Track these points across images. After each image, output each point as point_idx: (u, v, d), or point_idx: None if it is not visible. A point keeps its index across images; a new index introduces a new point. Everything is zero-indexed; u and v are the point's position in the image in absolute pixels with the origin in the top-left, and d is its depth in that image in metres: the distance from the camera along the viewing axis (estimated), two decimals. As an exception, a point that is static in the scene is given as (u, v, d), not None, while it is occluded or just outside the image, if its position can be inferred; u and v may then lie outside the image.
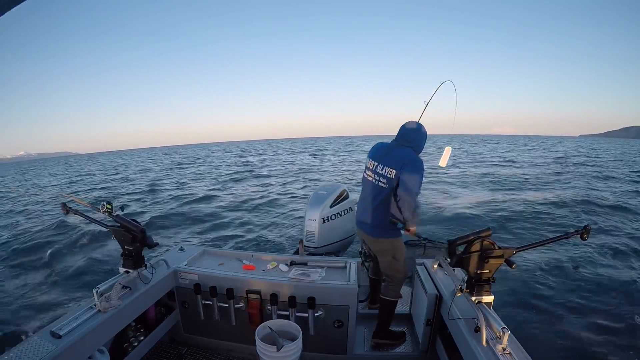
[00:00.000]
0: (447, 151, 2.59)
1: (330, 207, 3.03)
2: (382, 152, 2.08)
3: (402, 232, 2.03)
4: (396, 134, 2.13)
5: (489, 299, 1.65)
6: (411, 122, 2.12)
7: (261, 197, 11.08)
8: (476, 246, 1.60)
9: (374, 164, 2.07)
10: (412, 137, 2.06)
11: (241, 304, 2.14)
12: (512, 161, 21.75)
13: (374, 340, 2.26)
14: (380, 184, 2.02)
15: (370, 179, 2.08)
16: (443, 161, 2.56)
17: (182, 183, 16.20)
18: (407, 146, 2.04)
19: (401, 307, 2.62)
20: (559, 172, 15.62)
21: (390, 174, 1.98)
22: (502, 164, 20.12)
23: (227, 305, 2.13)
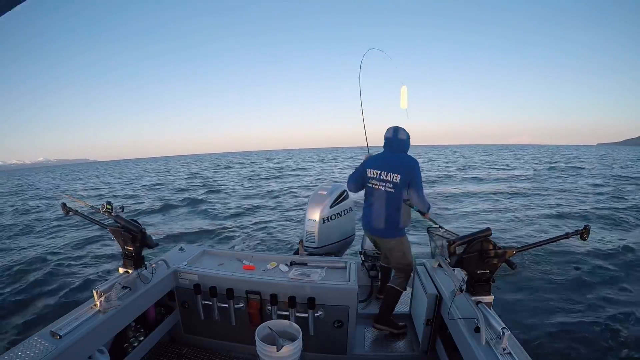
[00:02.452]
0: (404, 91, 2.81)
1: (330, 207, 3.02)
2: (381, 161, 2.31)
3: (420, 216, 2.32)
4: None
5: (489, 299, 1.64)
6: (398, 130, 2.33)
7: (261, 198, 11.09)
8: (476, 246, 1.60)
9: (377, 173, 2.29)
10: (403, 143, 2.33)
11: (241, 304, 2.14)
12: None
13: (376, 325, 2.38)
14: (387, 189, 2.24)
15: (376, 187, 2.29)
16: (403, 103, 2.81)
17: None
18: (401, 152, 2.32)
19: (401, 307, 2.62)
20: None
21: (395, 179, 2.22)
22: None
23: (227, 306, 2.13)
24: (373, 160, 2.36)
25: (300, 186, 15.95)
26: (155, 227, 7.86)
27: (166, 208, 10.68)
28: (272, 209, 9.61)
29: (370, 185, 2.33)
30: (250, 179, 21.04)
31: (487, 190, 12.29)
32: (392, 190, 2.23)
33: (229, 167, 36.75)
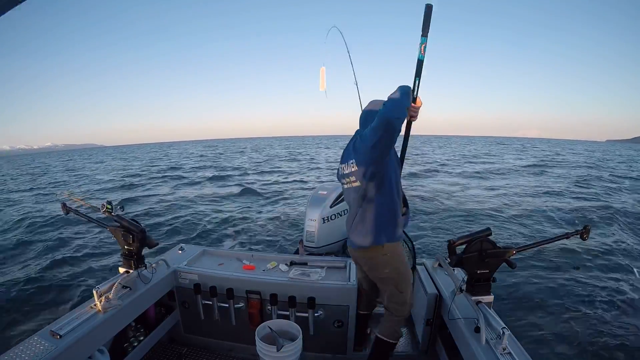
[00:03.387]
0: (322, 72, 2.56)
1: (330, 207, 3.03)
2: (345, 152, 1.78)
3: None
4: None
5: (489, 299, 1.65)
6: (370, 102, 1.76)
7: (262, 196, 11.10)
8: (476, 246, 1.60)
9: (342, 168, 1.76)
10: (371, 117, 1.58)
11: (241, 304, 2.14)
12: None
13: None
14: (353, 185, 1.67)
15: (346, 186, 1.75)
16: (322, 85, 2.55)
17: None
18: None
19: None
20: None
21: (353, 167, 1.64)
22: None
23: (227, 305, 2.13)
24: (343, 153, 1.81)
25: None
26: (155, 227, 7.84)
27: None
28: (272, 207, 9.62)
29: (341, 186, 1.83)
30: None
31: (487, 189, 12.30)
32: (358, 183, 1.62)
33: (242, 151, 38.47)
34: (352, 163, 1.65)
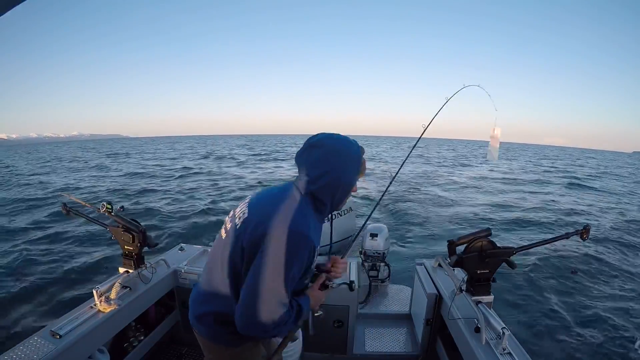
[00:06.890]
0: (496, 137, 1.78)
1: (331, 207, 3.03)
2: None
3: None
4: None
5: (489, 299, 1.65)
6: (320, 134, 1.08)
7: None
8: (476, 246, 1.60)
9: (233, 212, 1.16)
10: (308, 162, 1.05)
11: None
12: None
13: None
14: (224, 237, 1.12)
15: (222, 234, 1.16)
16: (494, 152, 1.89)
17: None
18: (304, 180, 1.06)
19: (401, 307, 2.62)
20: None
21: (240, 217, 1.07)
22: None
23: None
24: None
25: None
26: (155, 227, 7.83)
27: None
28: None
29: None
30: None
31: (487, 190, 12.32)
32: (227, 240, 1.09)
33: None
34: (243, 213, 1.07)
